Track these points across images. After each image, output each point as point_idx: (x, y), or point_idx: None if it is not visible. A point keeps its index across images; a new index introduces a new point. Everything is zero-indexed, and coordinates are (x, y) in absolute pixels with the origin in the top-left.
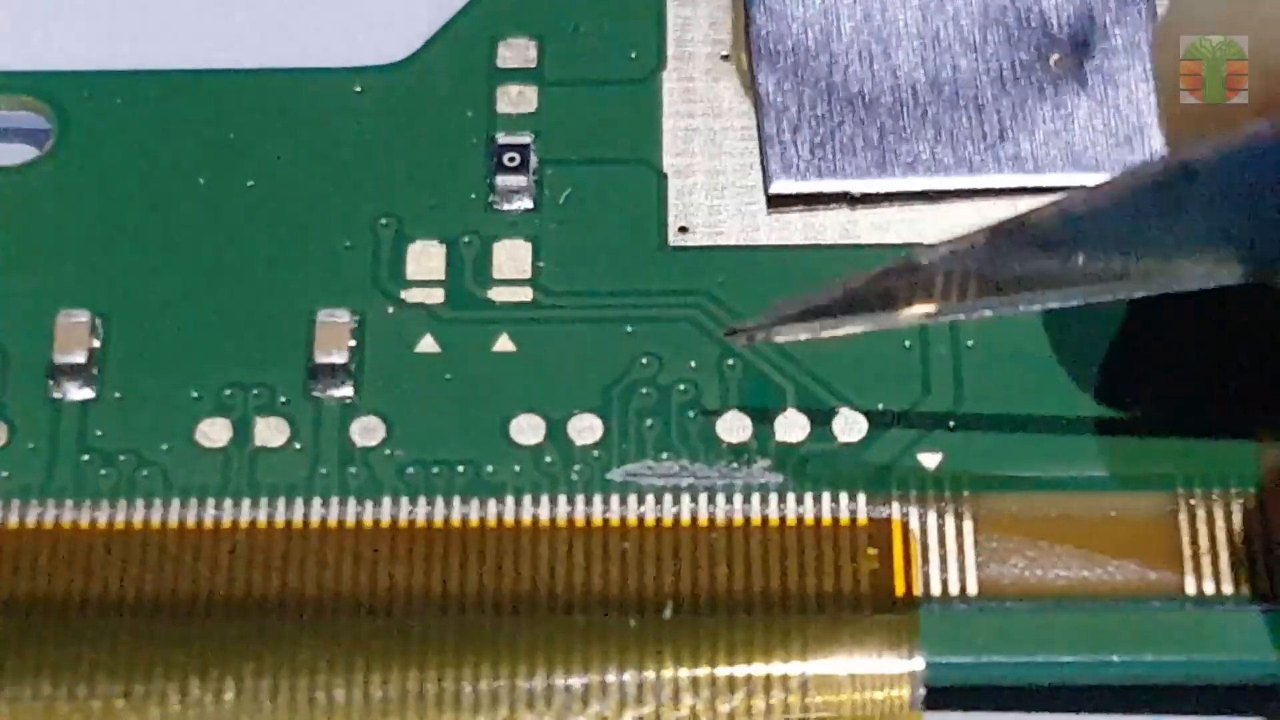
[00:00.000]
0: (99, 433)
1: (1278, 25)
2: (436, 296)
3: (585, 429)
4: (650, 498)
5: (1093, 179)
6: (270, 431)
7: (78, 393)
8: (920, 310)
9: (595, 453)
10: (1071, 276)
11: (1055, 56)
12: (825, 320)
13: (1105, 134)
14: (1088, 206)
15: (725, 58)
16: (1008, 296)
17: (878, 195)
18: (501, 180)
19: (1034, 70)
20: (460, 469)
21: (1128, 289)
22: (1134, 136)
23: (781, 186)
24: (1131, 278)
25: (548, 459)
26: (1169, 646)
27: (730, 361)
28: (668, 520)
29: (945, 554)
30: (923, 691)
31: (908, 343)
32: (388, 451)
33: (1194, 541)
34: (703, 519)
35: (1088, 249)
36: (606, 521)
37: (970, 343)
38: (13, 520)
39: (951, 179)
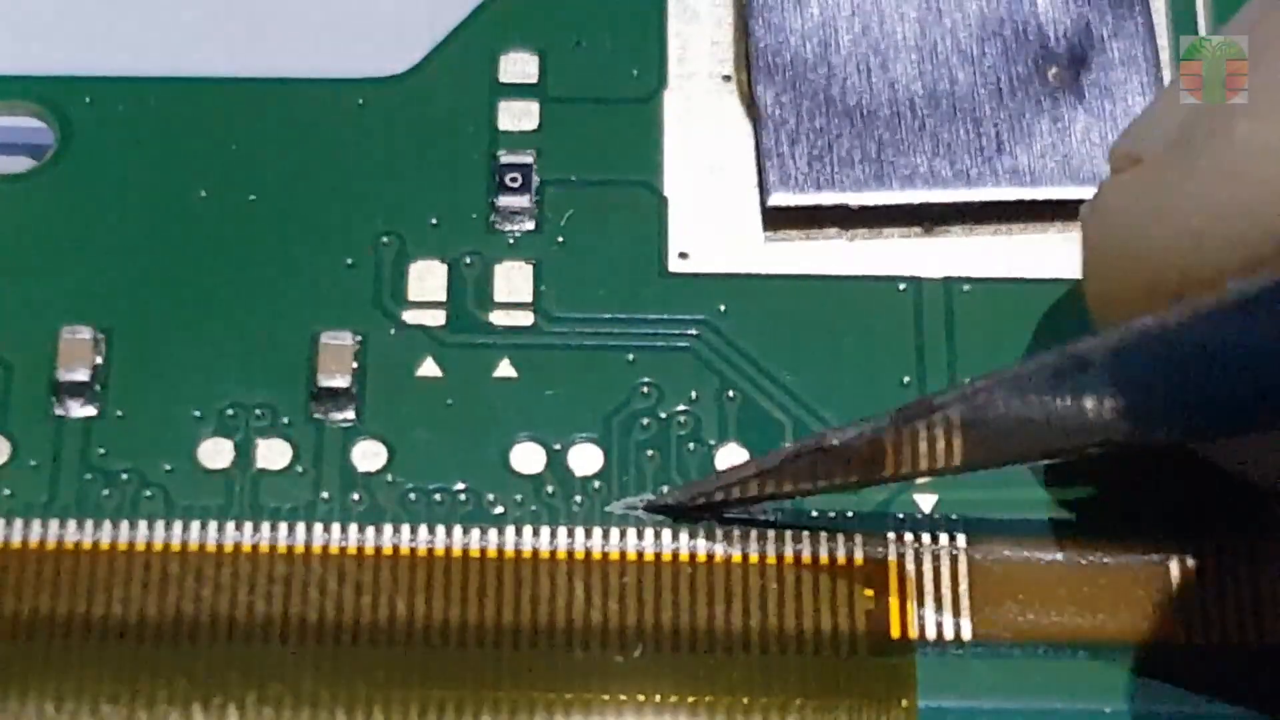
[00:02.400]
0: (102, 451)
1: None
2: (438, 318)
3: (586, 459)
4: (650, 531)
5: (1089, 192)
6: (272, 454)
7: (80, 410)
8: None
9: (595, 484)
10: (976, 454)
11: (1053, 70)
12: (741, 493)
13: (1102, 147)
14: (988, 393)
15: (727, 78)
16: (908, 475)
17: (875, 209)
18: (503, 201)
19: (1031, 83)
20: (462, 497)
21: (1026, 461)
22: None
23: (780, 199)
24: (1029, 454)
25: (548, 489)
26: (1162, 695)
27: (730, 394)
28: (666, 555)
29: (940, 596)
30: None
31: (906, 379)
32: (389, 478)
33: (1185, 590)
34: (701, 555)
35: (990, 430)
36: (606, 555)
37: (966, 381)
38: (15, 539)
39: (949, 192)
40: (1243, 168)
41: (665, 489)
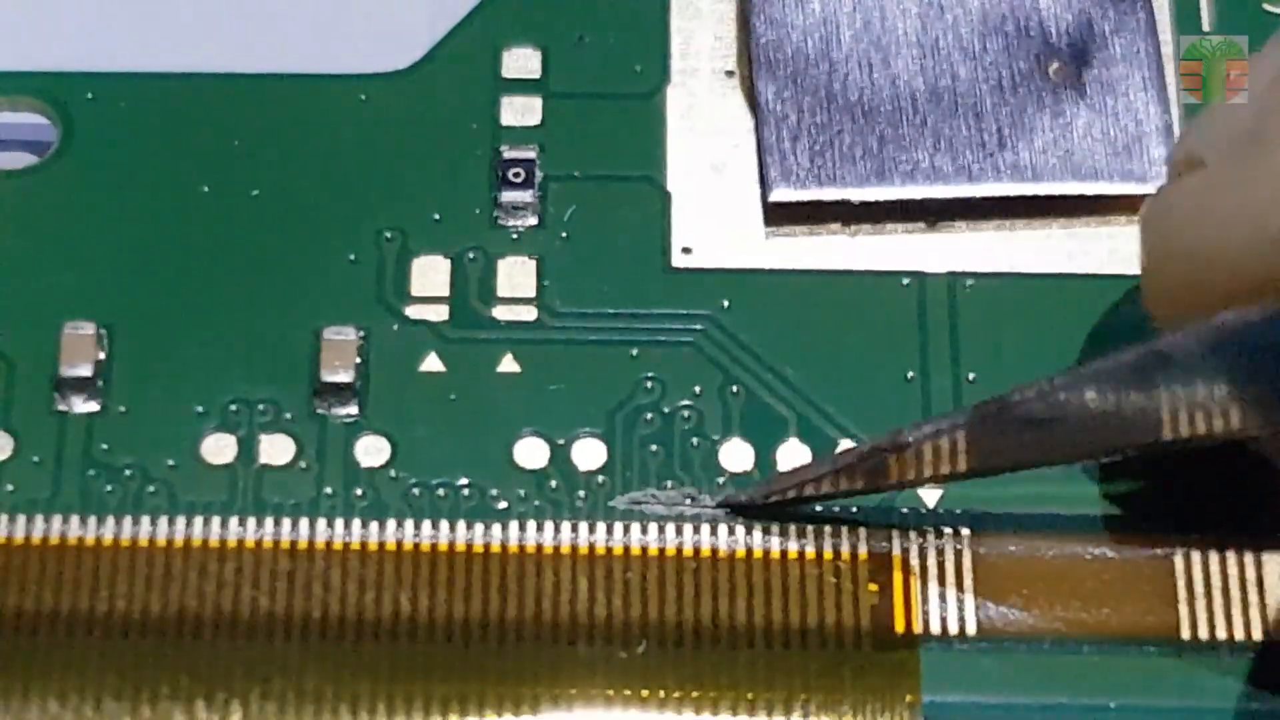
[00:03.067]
0: (104, 447)
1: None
2: (441, 313)
3: (589, 454)
4: (653, 527)
5: (1091, 187)
6: (275, 449)
7: (83, 406)
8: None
9: (599, 479)
10: (1054, 451)
11: (1054, 65)
12: (815, 490)
13: (1104, 143)
14: (1068, 390)
15: (729, 74)
16: (990, 470)
17: (876, 204)
18: (507, 196)
19: (1033, 79)
20: (465, 492)
21: (1107, 456)
22: (1132, 145)
23: (781, 195)
24: (1111, 448)
25: (552, 484)
26: (1165, 692)
27: (734, 389)
28: (670, 549)
29: (945, 591)
30: None
31: (910, 374)
32: (392, 473)
33: (1190, 586)
34: (705, 549)
35: (1070, 425)
36: (610, 550)
37: (972, 376)
38: (18, 535)
39: (950, 187)
40: None
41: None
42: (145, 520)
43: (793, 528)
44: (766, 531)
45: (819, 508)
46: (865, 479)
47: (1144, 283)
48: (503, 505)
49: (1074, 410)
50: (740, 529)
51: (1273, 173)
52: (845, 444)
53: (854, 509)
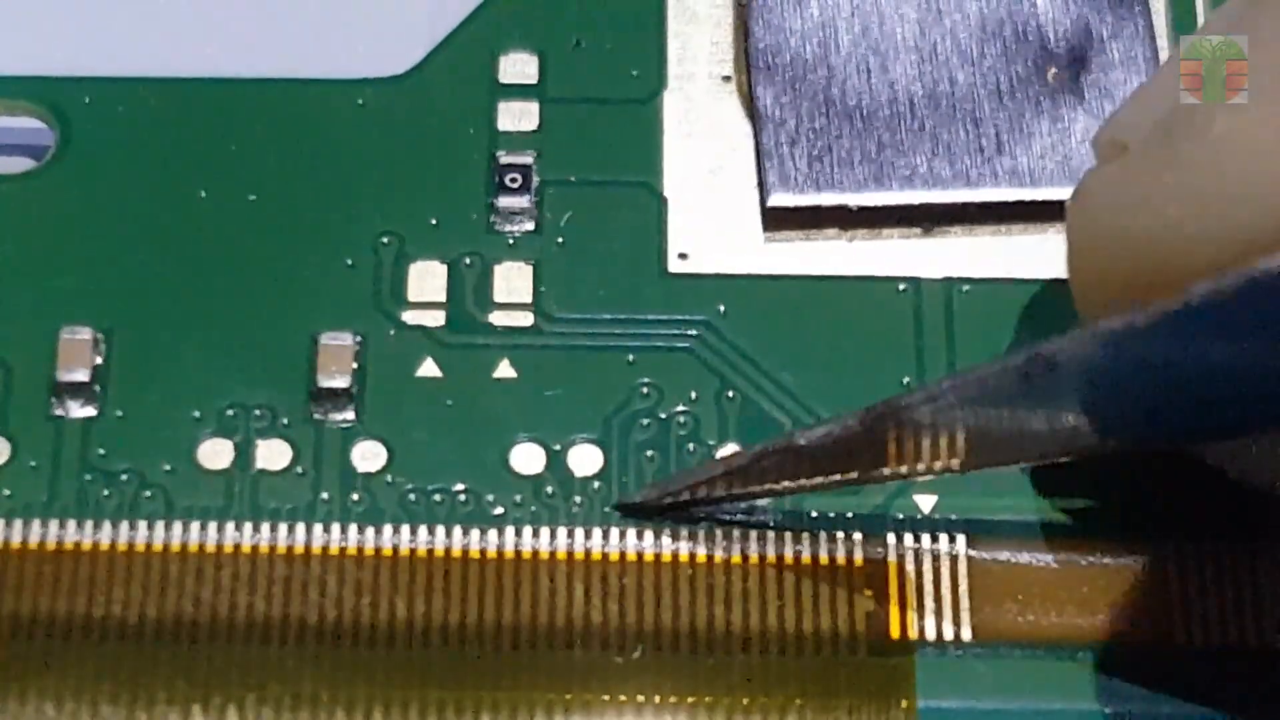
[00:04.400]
0: (101, 451)
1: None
2: (438, 319)
3: (586, 460)
4: (649, 532)
5: None
6: (272, 454)
7: (80, 410)
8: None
9: (595, 485)
10: (942, 457)
11: (1052, 70)
12: (708, 492)
13: None
14: (955, 393)
15: (726, 79)
16: (880, 475)
17: (874, 209)
18: (504, 201)
19: (1031, 84)
20: (461, 498)
21: (995, 464)
22: None
23: (779, 200)
24: (997, 456)
25: (548, 490)
26: (1161, 696)
27: (730, 394)
28: (666, 555)
29: (940, 597)
30: None
31: (906, 379)
32: (389, 478)
33: (1184, 591)
34: (700, 555)
35: (955, 433)
36: (606, 555)
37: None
38: (15, 540)
39: (948, 193)
40: (1220, 162)
41: (638, 491)
42: (142, 525)
43: (788, 534)
44: (762, 538)
45: (814, 513)
46: (759, 481)
47: (1069, 271)
48: (499, 511)
49: (961, 417)
50: (735, 534)
51: (1178, 164)
52: None
53: (849, 514)
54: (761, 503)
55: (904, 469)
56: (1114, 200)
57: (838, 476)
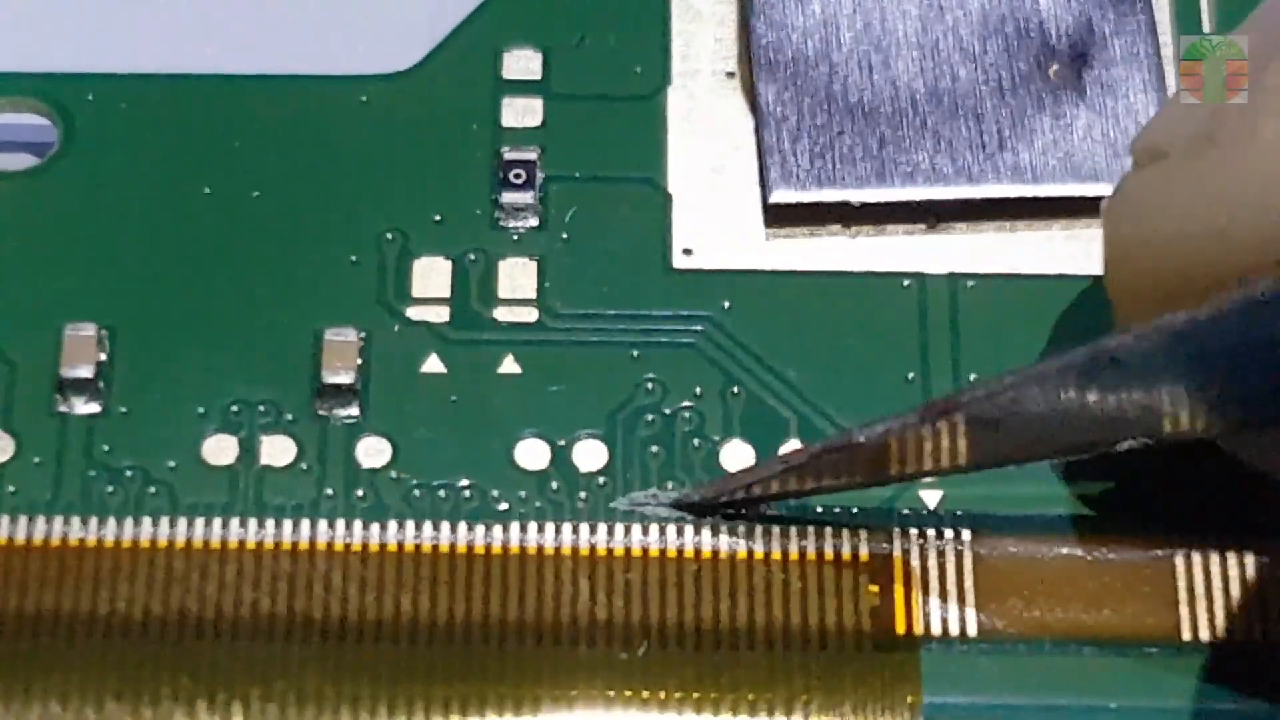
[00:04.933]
0: (105, 448)
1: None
2: (442, 315)
3: (590, 455)
4: (654, 528)
5: (1091, 189)
6: (276, 451)
7: (84, 407)
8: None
9: (600, 480)
10: (1006, 451)
11: (1054, 67)
12: (765, 490)
13: (1104, 144)
14: (1016, 390)
15: (730, 75)
16: (938, 470)
17: (877, 206)
18: (507, 197)
19: (1033, 80)
20: (466, 494)
21: (1061, 456)
22: None
23: (781, 196)
24: (1057, 449)
25: (553, 486)
26: (1167, 691)
27: (734, 390)
28: (671, 551)
29: (945, 592)
30: None
31: (910, 375)
32: (393, 474)
33: (1190, 587)
34: (706, 551)
35: (1019, 426)
36: (611, 551)
37: (972, 377)
38: (19, 536)
39: (951, 189)
40: (1267, 166)
41: (686, 487)
42: (146, 521)
43: (793, 529)
44: (767, 533)
45: (820, 509)
46: (816, 479)
47: (1106, 274)
48: (503, 507)
49: (1023, 411)
50: (741, 529)
51: (1223, 169)
52: None
53: (854, 509)
54: None
55: (961, 464)
56: (1153, 206)
57: (897, 473)
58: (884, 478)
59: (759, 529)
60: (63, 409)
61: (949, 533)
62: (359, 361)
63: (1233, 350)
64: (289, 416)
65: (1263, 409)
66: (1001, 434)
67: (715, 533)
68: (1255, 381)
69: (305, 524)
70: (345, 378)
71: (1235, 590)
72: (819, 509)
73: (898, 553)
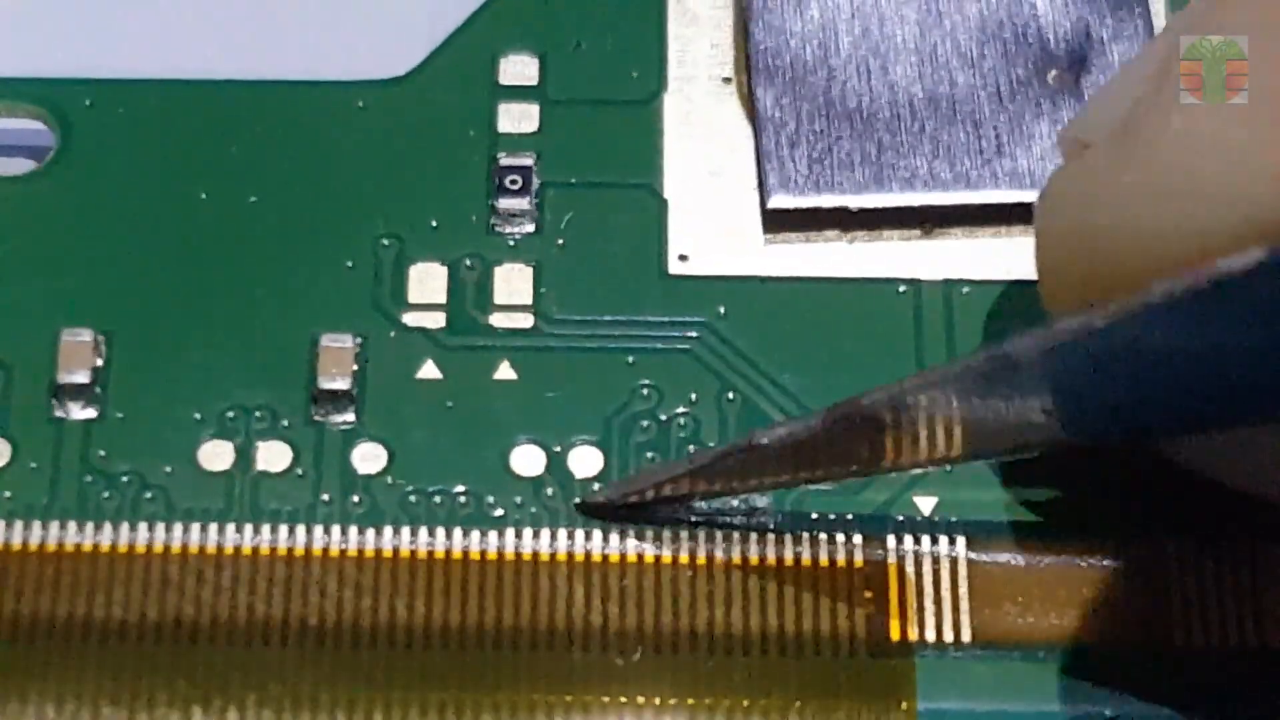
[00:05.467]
0: (102, 453)
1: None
2: (438, 320)
3: (586, 461)
4: (650, 534)
5: None
6: (273, 456)
7: (81, 412)
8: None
9: (595, 486)
10: (906, 455)
11: (1053, 72)
12: (673, 490)
13: None
14: (918, 393)
15: (727, 81)
16: (844, 473)
17: (875, 211)
18: (504, 203)
19: (1031, 86)
20: (462, 499)
21: (962, 460)
22: None
23: (779, 201)
24: (964, 453)
25: (548, 492)
26: (1161, 697)
27: (730, 396)
28: (666, 557)
29: (940, 599)
30: None
31: None
32: (389, 480)
33: (1184, 592)
34: (701, 557)
35: (919, 430)
36: (606, 557)
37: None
38: (15, 541)
39: (949, 194)
40: (1179, 159)
41: (596, 488)
42: (142, 527)
43: (788, 536)
44: (762, 539)
45: (814, 515)
46: (721, 480)
47: (1037, 268)
48: (499, 512)
49: (924, 416)
50: (736, 535)
51: (1136, 162)
52: None
53: (849, 515)
54: (761, 504)
55: (868, 468)
56: (1077, 197)
57: (802, 475)
58: (787, 481)
59: (753, 536)
60: (59, 414)
61: (943, 539)
62: (355, 367)
63: (1127, 357)
64: (285, 422)
65: (1158, 419)
66: (904, 438)
67: (711, 539)
68: (1150, 390)
69: (301, 529)
70: (341, 383)
71: (1229, 595)
72: (813, 515)
73: (892, 559)
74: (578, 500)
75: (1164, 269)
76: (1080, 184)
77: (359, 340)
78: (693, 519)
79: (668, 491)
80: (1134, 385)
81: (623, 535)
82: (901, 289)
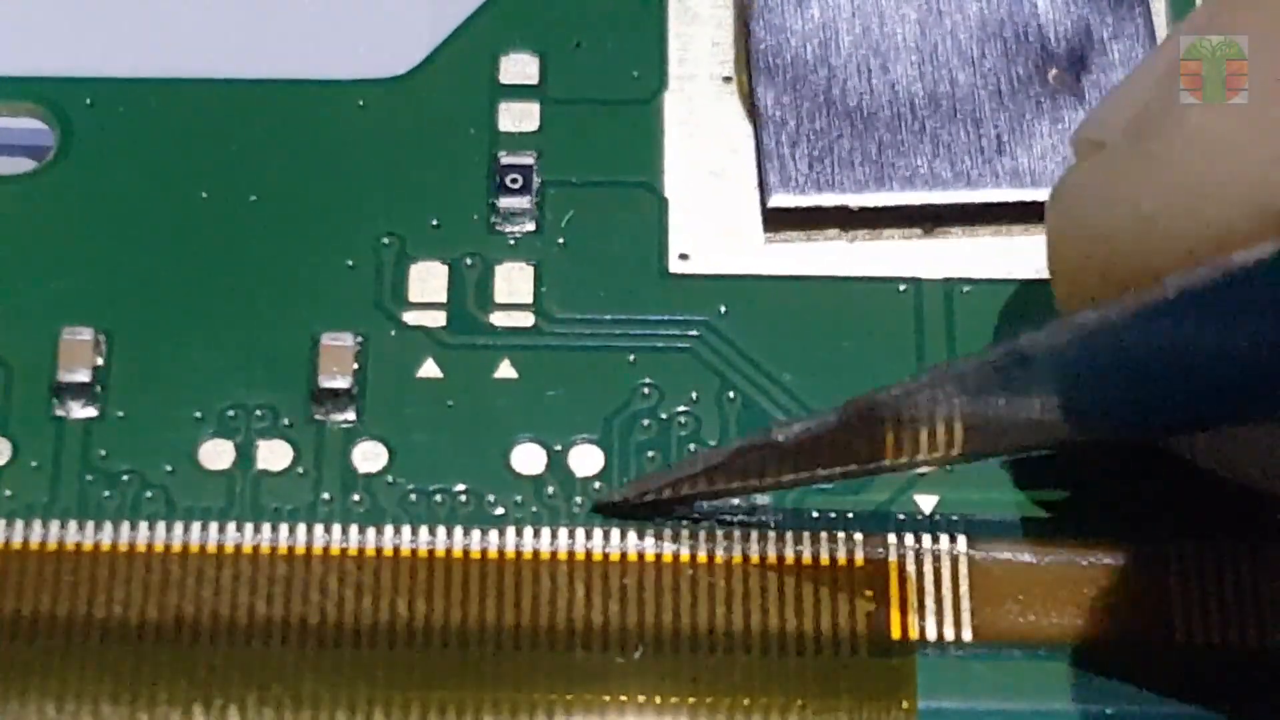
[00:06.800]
0: (102, 452)
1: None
2: (439, 319)
3: (587, 460)
4: (650, 532)
5: None
6: (273, 455)
7: (81, 411)
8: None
9: (596, 485)
10: (921, 451)
11: (1053, 71)
12: (690, 489)
13: None
14: (934, 389)
15: (727, 79)
16: (860, 470)
17: (875, 210)
18: (504, 202)
19: (1032, 85)
20: (462, 498)
21: (980, 458)
22: None
23: (780, 200)
24: (981, 449)
25: (549, 490)
26: (1163, 696)
27: (731, 395)
28: (667, 555)
29: (941, 598)
30: None
31: (907, 379)
32: (390, 479)
33: (1185, 590)
34: (701, 555)
35: (934, 428)
36: (607, 556)
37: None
38: (16, 540)
39: (949, 193)
40: (1193, 157)
41: (608, 488)
42: (143, 526)
43: (789, 534)
44: (763, 538)
45: (815, 514)
46: (737, 478)
47: (1049, 266)
48: (500, 511)
49: (940, 412)
50: (736, 534)
51: (1152, 160)
52: None
53: (850, 514)
54: (762, 503)
55: (885, 464)
56: (1091, 197)
57: (818, 472)
58: (804, 478)
59: (754, 534)
60: (59, 413)
61: (944, 538)
62: (355, 366)
63: (1140, 352)
64: (286, 421)
65: (1171, 414)
66: (921, 434)
67: (711, 537)
68: (1163, 385)
69: (301, 528)
70: (342, 382)
71: (1230, 593)
72: (814, 514)
73: (893, 558)
74: (595, 501)
75: (1177, 265)
76: (1095, 184)
77: (359, 339)
78: (694, 517)
79: (685, 490)
80: (1150, 379)
81: (623, 534)
82: (902, 288)
